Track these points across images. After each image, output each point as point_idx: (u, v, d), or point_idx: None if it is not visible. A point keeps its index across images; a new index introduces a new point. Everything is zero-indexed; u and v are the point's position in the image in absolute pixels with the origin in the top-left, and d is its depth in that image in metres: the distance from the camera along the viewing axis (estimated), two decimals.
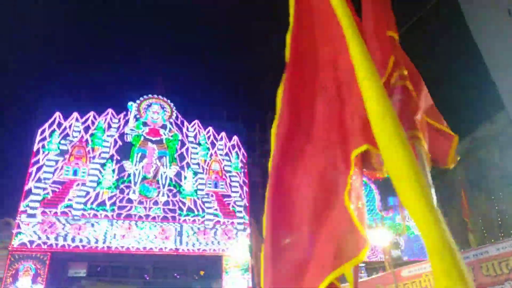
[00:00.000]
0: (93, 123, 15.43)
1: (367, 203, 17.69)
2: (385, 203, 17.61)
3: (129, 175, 15.02)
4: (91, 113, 15.51)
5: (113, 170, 14.86)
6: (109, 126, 15.52)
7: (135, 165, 15.29)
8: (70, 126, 14.88)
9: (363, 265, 16.33)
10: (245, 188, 16.52)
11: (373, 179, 18.03)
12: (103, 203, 14.12)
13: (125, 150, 15.32)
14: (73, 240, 13.19)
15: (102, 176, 14.62)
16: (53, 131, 14.52)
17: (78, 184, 14.06)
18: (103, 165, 14.80)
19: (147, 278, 16.03)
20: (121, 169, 15.00)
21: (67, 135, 14.73)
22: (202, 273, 16.30)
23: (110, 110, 15.86)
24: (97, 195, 14.20)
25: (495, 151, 16.84)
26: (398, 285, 10.57)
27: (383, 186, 18.14)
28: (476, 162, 17.35)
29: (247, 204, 16.22)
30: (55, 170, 13.93)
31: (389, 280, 11.00)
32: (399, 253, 16.23)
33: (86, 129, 15.16)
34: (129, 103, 16.32)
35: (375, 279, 13.00)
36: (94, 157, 14.81)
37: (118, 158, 15.12)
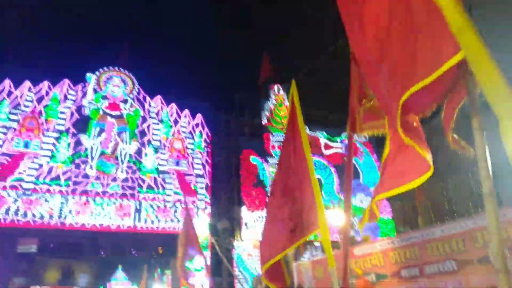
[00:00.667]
0: (47, 93, 14.60)
1: (327, 185, 18.28)
2: (342, 186, 18.31)
3: (86, 149, 14.47)
4: (45, 83, 14.65)
5: (69, 144, 14.23)
6: (65, 98, 14.76)
7: (93, 139, 14.73)
8: (21, 96, 13.98)
9: (319, 244, 16.99)
10: (207, 168, 16.46)
11: (333, 163, 18.60)
12: (57, 178, 13.55)
13: (82, 124, 14.69)
14: (24, 215, 12.62)
15: (57, 149, 13.97)
16: (2, 99, 13.59)
17: (30, 157, 13.36)
18: (57, 138, 14.12)
19: (103, 255, 15.77)
20: (78, 143, 14.40)
21: (18, 105, 13.84)
22: (160, 250, 16.27)
23: (66, 81, 15.06)
24: (50, 169, 13.59)
25: (446, 140, 17.86)
26: (349, 262, 11.13)
27: (342, 170, 18.80)
28: (432, 150, 18.36)
29: (209, 184, 16.22)
30: (4, 141, 13.12)
31: (342, 258, 11.58)
32: (353, 233, 17.02)
33: (40, 99, 14.33)
34: (88, 75, 15.55)
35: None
36: (48, 130, 14.08)
37: (75, 131, 14.48)
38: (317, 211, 3.13)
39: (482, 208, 10.96)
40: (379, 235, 16.52)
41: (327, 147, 19.16)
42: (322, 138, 19.49)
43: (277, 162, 3.83)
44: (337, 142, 19.63)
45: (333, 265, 3.21)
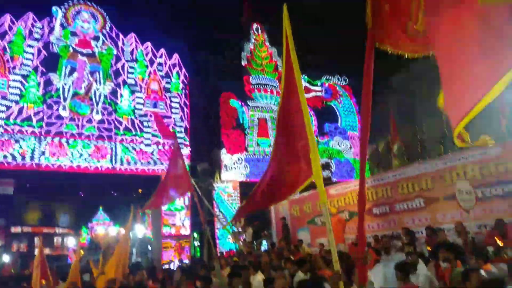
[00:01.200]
0: (10, 28, 13.57)
1: None
2: (321, 129, 18.58)
3: (57, 89, 13.87)
4: (8, 16, 13.55)
5: (38, 83, 13.57)
6: (31, 33, 13.78)
7: (64, 79, 14.07)
8: None
9: None
10: (186, 110, 16.23)
11: (312, 107, 18.66)
12: (28, 119, 13.09)
13: (51, 62, 13.90)
14: None
15: (26, 89, 13.34)
16: None
17: None
18: (25, 77, 13.41)
19: (83, 196, 15.89)
20: (48, 83, 13.75)
21: None
22: (140, 191, 16.51)
23: (31, 14, 13.96)
24: (20, 109, 13.06)
25: (426, 85, 18.07)
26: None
27: (320, 113, 18.97)
28: (409, 94, 18.62)
29: (188, 126, 16.11)
30: None
31: (318, 198, 12.13)
32: (330, 174, 17.66)
33: (3, 35, 13.34)
34: (54, 8, 14.42)
35: (306, 197, 14.19)
36: (14, 68, 13.30)
37: (44, 70, 13.74)
38: (311, 157, 3.22)
39: (452, 150, 11.47)
40: (354, 176, 17.21)
41: (307, 90, 19.09)
42: (303, 81, 19.33)
43: (279, 102, 3.96)
44: (317, 85, 19.55)
45: (325, 201, 3.39)
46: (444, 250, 5.60)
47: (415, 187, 9.65)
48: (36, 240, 34.75)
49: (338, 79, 19.72)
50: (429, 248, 7.51)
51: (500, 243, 6.52)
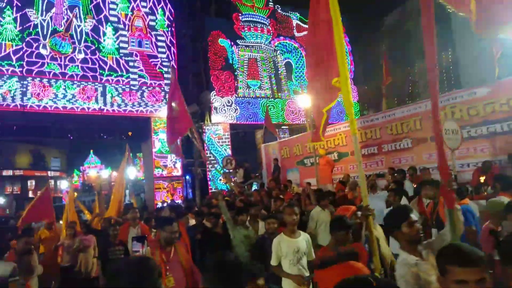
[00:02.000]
0: None
1: (297, 69, 18.20)
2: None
3: (35, 26, 13.16)
4: None
5: (14, 19, 12.83)
6: None
7: (42, 15, 13.30)
8: None
9: (287, 127, 17.75)
10: (172, 49, 15.68)
11: (304, 46, 18.16)
12: (8, 58, 12.56)
13: None
14: None
15: (2, 26, 12.63)
16: None
17: None
18: (0, 12, 12.63)
19: (72, 139, 15.81)
20: (25, 19, 13.00)
21: None
22: (130, 133, 16.46)
23: None
24: None
25: (420, 25, 17.58)
26: (315, 143, 11.84)
27: None
28: (402, 34, 18.17)
29: (175, 67, 15.66)
30: None
31: (306, 139, 12.27)
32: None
33: None
34: None
35: (296, 138, 14.37)
36: None
37: (19, 4, 12.92)
38: (338, 60, 3.49)
39: (442, 92, 11.49)
40: (344, 118, 17.30)
41: (299, 28, 18.46)
42: (295, 19, 18.62)
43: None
44: None
45: (355, 132, 3.63)
46: (427, 187, 5.84)
47: (403, 128, 9.79)
48: (29, 183, 35.30)
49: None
50: (415, 186, 7.82)
51: (481, 179, 6.81)
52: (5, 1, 12.73)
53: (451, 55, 16.02)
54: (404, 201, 6.00)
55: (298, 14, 18.65)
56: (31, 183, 35.43)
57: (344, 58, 3.52)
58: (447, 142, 6.98)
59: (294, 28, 18.50)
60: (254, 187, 13.42)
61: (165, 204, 14.53)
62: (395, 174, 8.08)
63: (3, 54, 12.49)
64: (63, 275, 6.46)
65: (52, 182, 37.14)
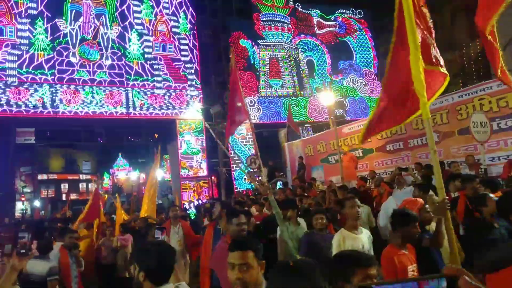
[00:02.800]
0: None
1: (319, 67, 18.11)
2: (335, 66, 18.12)
3: (65, 35, 13.76)
4: None
5: (46, 30, 13.47)
6: None
7: (70, 24, 13.89)
8: None
9: (310, 125, 17.72)
10: (195, 52, 15.98)
11: (325, 43, 18.08)
12: (40, 66, 13.20)
13: (56, 6, 13.65)
14: (16, 105, 12.69)
15: (34, 36, 13.29)
16: None
17: (7, 45, 12.77)
18: (32, 23, 13.30)
19: (101, 142, 16.39)
20: (55, 29, 13.62)
21: None
22: (156, 135, 16.89)
23: None
24: (31, 57, 13.13)
25: (446, 15, 17.09)
26: (339, 140, 11.81)
27: (334, 50, 18.35)
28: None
29: (198, 69, 15.97)
30: None
31: (332, 137, 12.22)
32: (343, 112, 17.59)
33: None
34: None
35: (319, 136, 14.33)
36: (20, 14, 13.17)
37: (49, 15, 13.56)
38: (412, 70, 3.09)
39: (470, 84, 11.16)
40: (368, 114, 17.08)
41: (320, 26, 18.37)
42: (316, 16, 18.54)
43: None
44: (331, 20, 18.74)
45: (428, 116, 3.28)
46: (453, 180, 5.75)
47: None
48: (63, 186, 36.75)
49: (353, 12, 18.80)
50: None
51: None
52: (37, 12, 13.37)
53: (479, 45, 15.49)
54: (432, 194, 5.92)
55: (318, 11, 18.57)
56: (64, 186, 36.83)
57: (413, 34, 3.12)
58: (475, 135, 6.83)
59: (315, 25, 18.42)
60: (279, 185, 13.48)
61: (191, 204, 14.84)
62: (423, 170, 7.94)
63: (36, 63, 13.14)
64: (104, 273, 6.72)
65: (84, 185, 38.50)
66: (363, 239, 3.51)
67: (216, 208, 5.72)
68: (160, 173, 21.68)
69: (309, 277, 1.31)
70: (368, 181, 10.19)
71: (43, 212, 23.83)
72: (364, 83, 17.85)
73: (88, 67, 13.93)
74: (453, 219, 4.30)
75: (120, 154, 36.57)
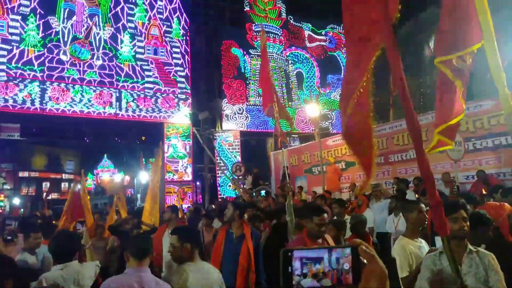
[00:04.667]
0: None
1: (308, 79, 18.49)
2: (324, 80, 18.53)
3: (57, 33, 13.81)
4: None
5: (38, 26, 13.50)
6: None
7: (63, 22, 13.95)
8: None
9: (297, 136, 18.00)
10: (186, 57, 16.17)
11: (315, 57, 18.50)
12: (30, 63, 13.20)
13: (49, 4, 13.71)
14: (3, 100, 12.64)
15: (26, 32, 13.30)
16: None
17: None
18: (24, 19, 13.32)
19: (87, 142, 16.34)
20: (47, 26, 13.66)
21: None
22: (143, 138, 16.92)
23: None
24: (21, 53, 13.12)
25: (434, 35, 17.68)
26: (323, 152, 12.08)
27: (323, 64, 18.77)
28: (415, 45, 18.30)
29: (189, 74, 16.15)
30: None
31: (316, 148, 12.50)
32: (329, 125, 17.95)
33: None
34: None
35: (304, 147, 14.61)
36: (12, 9, 13.19)
37: (42, 12, 13.60)
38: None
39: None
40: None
41: (311, 39, 18.80)
42: (307, 30, 18.98)
43: None
44: (321, 35, 19.20)
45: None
46: (426, 196, 6.02)
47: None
48: (44, 185, 36.17)
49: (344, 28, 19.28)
50: (417, 196, 7.97)
51: (484, 191, 6.93)
52: (29, 9, 13.41)
53: None
54: None
55: (310, 25, 19.01)
56: (45, 185, 36.27)
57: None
58: (450, 153, 7.15)
59: (306, 38, 18.84)
60: (262, 194, 13.65)
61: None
62: (399, 183, 8.25)
63: (25, 59, 13.13)
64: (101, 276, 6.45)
65: (66, 184, 37.94)
66: (423, 249, 3.10)
67: (229, 210, 5.39)
68: (145, 176, 21.60)
69: None
70: (349, 193, 10.51)
71: (22, 210, 23.41)
72: None
73: (78, 66, 13.97)
74: None
75: (105, 155, 36.25)
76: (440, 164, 8.87)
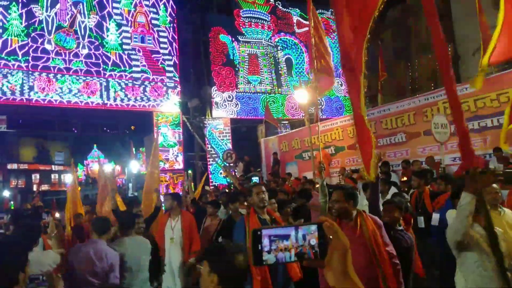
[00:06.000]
0: None
1: (297, 65, 18.46)
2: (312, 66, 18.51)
3: (40, 22, 13.50)
4: None
5: (20, 15, 13.17)
6: None
7: (46, 10, 13.63)
8: None
9: (287, 122, 18.05)
10: (174, 45, 15.98)
11: (304, 42, 18.42)
12: (14, 52, 12.92)
13: None
14: None
15: (8, 21, 12.98)
16: None
17: None
18: (6, 8, 12.98)
19: (76, 132, 16.20)
20: (30, 15, 13.34)
21: None
22: (133, 128, 16.82)
23: None
24: (5, 43, 12.83)
25: (423, 20, 17.72)
26: (313, 137, 12.16)
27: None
28: (404, 30, 18.33)
29: (177, 61, 15.99)
30: None
31: (306, 134, 12.56)
32: (319, 111, 18.00)
33: None
34: None
35: (294, 133, 14.68)
36: None
37: (24, 1, 13.26)
38: None
39: (438, 87, 11.72)
40: (343, 113, 17.58)
41: (299, 25, 18.69)
42: (295, 15, 18.85)
43: None
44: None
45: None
46: (415, 176, 6.16)
47: (398, 122, 10.09)
48: (34, 176, 35.84)
49: (332, 13, 19.19)
50: (405, 178, 8.14)
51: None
52: None
53: (450, 49, 16.18)
54: (393, 190, 6.30)
55: (298, 10, 18.88)
56: (35, 177, 35.95)
57: None
58: (436, 136, 7.28)
59: (295, 24, 18.72)
60: (254, 180, 13.74)
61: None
62: (381, 166, 8.39)
63: (9, 49, 12.85)
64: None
65: (56, 176, 37.66)
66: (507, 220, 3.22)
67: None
68: (136, 166, 21.53)
69: None
70: (339, 176, 10.67)
71: (12, 202, 23.22)
72: (340, 82, 18.32)
73: (64, 55, 13.73)
74: None
75: (95, 145, 35.95)
76: (428, 147, 9.04)
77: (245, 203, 5.43)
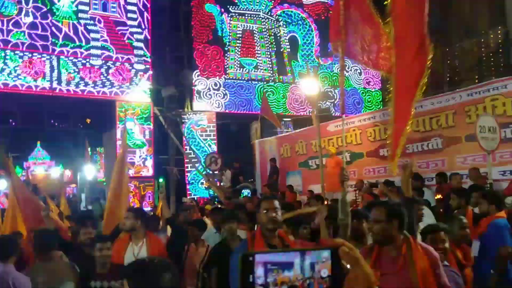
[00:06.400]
0: None
1: (304, 46, 18.46)
2: (325, 48, 18.47)
3: None
4: None
5: None
6: None
7: None
8: None
9: (289, 119, 18.04)
10: (146, 15, 15.92)
11: (314, 17, 18.44)
12: None
13: None
14: None
15: None
16: None
17: None
18: None
19: (15, 125, 16.05)
20: None
21: None
22: (88, 121, 16.70)
23: None
24: None
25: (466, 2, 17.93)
26: (322, 140, 12.14)
27: (325, 27, 18.71)
28: (442, 7, 18.47)
29: (149, 37, 15.92)
30: None
31: (314, 135, 12.54)
32: (330, 106, 18.02)
33: None
34: None
35: (299, 134, 14.66)
36: None
37: None
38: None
39: (489, 78, 11.75)
40: (362, 110, 17.62)
41: None
42: None
43: None
44: None
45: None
46: (454, 196, 6.15)
47: (432, 124, 10.06)
48: None
49: None
50: (439, 196, 8.12)
51: None
52: None
53: (500, 33, 16.31)
54: (426, 211, 6.25)
55: None
56: None
57: None
58: (482, 142, 7.25)
59: None
60: (243, 194, 13.70)
61: None
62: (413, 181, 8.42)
63: None
64: None
65: None
66: None
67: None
68: (92, 172, 21.36)
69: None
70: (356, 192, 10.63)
71: None
72: (359, 71, 18.36)
73: (0, 24, 13.61)
74: None
75: (38, 143, 35.64)
76: (471, 156, 9.02)
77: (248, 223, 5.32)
